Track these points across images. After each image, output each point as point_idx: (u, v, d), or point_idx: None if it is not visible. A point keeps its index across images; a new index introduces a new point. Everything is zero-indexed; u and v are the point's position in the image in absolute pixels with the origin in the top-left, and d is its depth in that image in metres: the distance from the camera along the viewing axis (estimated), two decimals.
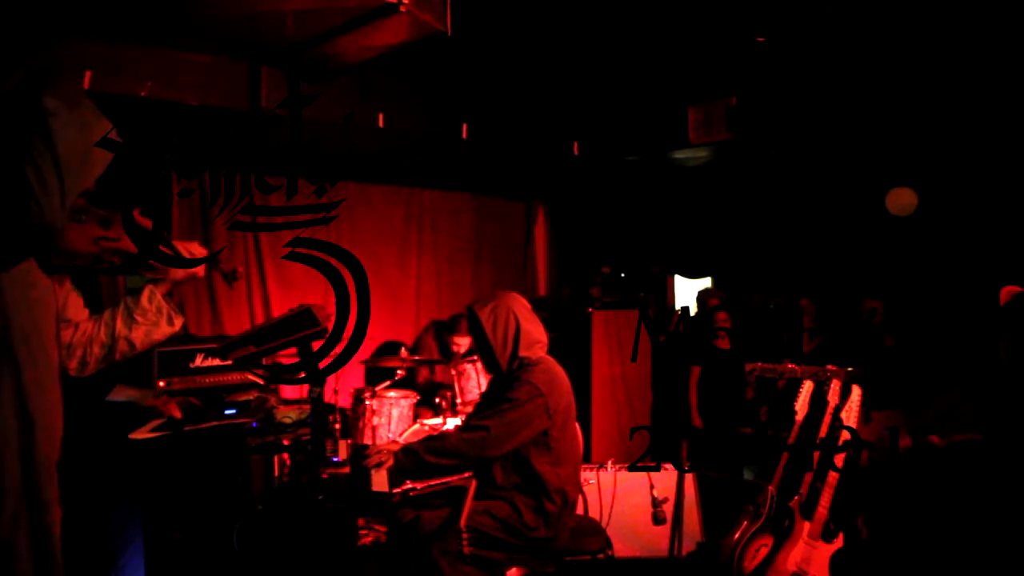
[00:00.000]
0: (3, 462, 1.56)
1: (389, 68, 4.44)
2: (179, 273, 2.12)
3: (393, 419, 4.61)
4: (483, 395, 3.57)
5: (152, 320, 2.13)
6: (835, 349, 5.17)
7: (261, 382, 4.05)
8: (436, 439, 3.06)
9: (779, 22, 4.39)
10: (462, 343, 5.30)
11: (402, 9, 3.12)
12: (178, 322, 2.20)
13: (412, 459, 2.96)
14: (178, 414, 3.29)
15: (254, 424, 3.89)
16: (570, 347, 5.58)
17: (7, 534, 1.53)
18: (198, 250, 2.12)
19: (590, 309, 5.87)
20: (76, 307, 2.08)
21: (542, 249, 7.40)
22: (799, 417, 3.77)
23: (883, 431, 4.14)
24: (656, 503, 4.09)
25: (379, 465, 3.00)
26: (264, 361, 2.68)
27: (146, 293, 2.16)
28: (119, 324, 2.10)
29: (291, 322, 2.32)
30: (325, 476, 3.22)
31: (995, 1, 3.94)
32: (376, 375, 5.43)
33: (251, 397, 4.00)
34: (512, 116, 5.45)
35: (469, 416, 3.44)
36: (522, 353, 3.12)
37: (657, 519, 4.08)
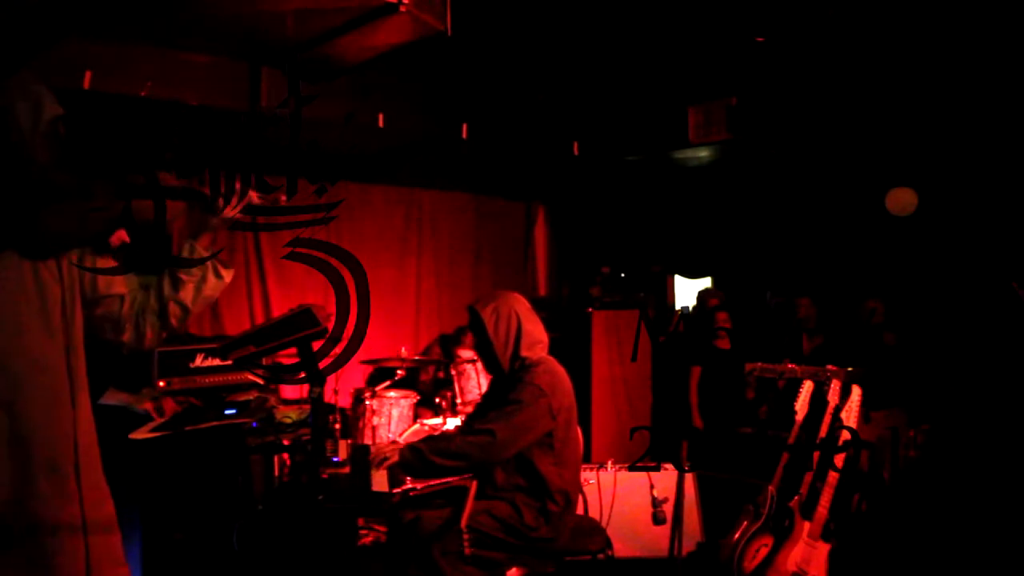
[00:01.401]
0: None
1: (389, 68, 4.43)
2: (215, 220, 2.00)
3: (393, 419, 4.61)
4: (484, 396, 3.56)
5: (198, 276, 2.01)
6: (835, 349, 5.17)
7: (261, 382, 4.04)
8: (441, 439, 3.03)
9: (779, 22, 4.39)
10: (464, 355, 5.29)
11: (402, 9, 3.12)
12: (226, 274, 2.06)
13: (417, 457, 2.94)
14: (170, 412, 3.28)
15: (254, 424, 3.89)
16: (570, 347, 5.58)
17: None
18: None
19: (590, 309, 5.87)
20: (112, 281, 1.95)
21: (542, 249, 7.39)
22: (799, 417, 3.76)
23: (883, 431, 4.14)
24: (656, 503, 4.08)
25: (384, 461, 3.00)
26: (264, 361, 2.68)
27: (185, 248, 2.03)
28: (166, 287, 1.99)
29: (291, 322, 2.31)
30: (325, 476, 3.22)
31: (995, 1, 3.94)
32: (376, 375, 5.43)
33: (251, 397, 4.00)
34: (512, 116, 5.45)
35: (470, 417, 3.43)
36: (523, 353, 3.10)
37: (657, 519, 4.07)
